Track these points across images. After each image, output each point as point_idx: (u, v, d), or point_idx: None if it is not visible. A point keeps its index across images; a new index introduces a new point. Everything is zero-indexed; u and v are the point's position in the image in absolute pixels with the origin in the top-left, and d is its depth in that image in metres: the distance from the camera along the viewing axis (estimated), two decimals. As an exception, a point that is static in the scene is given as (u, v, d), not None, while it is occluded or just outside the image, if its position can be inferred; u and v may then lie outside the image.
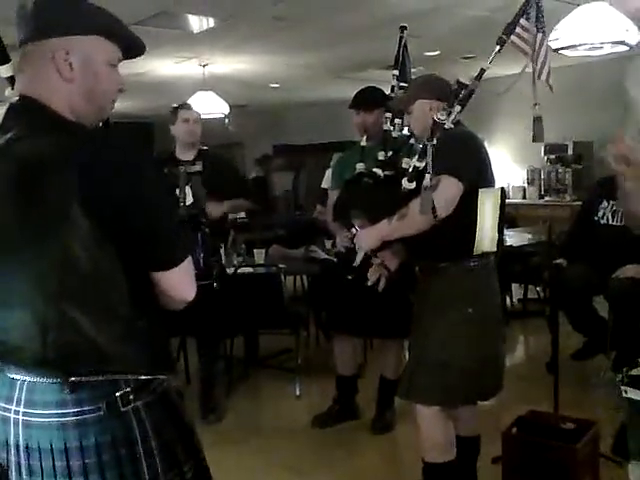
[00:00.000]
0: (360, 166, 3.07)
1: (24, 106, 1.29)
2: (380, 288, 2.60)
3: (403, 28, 3.28)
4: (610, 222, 4.00)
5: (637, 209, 1.82)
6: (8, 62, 1.76)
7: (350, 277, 3.19)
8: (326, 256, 4.36)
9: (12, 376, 1.29)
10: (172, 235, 1.34)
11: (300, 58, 6.86)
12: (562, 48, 4.14)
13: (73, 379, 1.24)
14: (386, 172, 3.00)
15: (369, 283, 2.58)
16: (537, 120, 2.33)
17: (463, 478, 2.59)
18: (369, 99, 3.37)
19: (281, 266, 4.00)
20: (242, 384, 4.20)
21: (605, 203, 4.06)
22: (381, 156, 3.06)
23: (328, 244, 4.47)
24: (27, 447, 1.28)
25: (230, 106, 7.29)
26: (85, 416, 1.26)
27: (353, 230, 2.51)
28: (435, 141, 2.21)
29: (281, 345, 4.55)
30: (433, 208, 2.17)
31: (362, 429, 3.50)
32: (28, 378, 1.28)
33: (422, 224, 2.25)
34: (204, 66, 6.92)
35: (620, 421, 1.97)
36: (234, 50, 6.36)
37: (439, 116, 2.20)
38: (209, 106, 6.99)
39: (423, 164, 2.24)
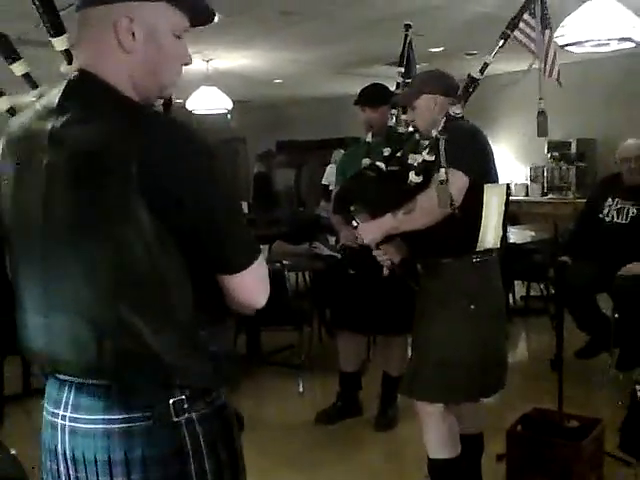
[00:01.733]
0: (366, 162, 3.07)
1: (82, 82, 1.16)
2: (386, 273, 2.59)
3: (408, 26, 3.28)
4: (615, 220, 3.99)
5: None
6: (63, 34, 1.58)
7: (352, 272, 3.20)
8: (330, 252, 4.36)
9: (61, 377, 1.19)
10: (241, 234, 1.20)
11: (304, 54, 6.85)
12: (568, 44, 4.12)
13: (123, 383, 1.13)
14: (391, 167, 3.00)
15: (385, 273, 2.57)
16: (541, 114, 2.32)
17: (467, 475, 2.59)
18: (374, 96, 3.37)
19: (285, 262, 3.99)
20: (245, 381, 4.20)
21: (610, 200, 4.04)
22: (386, 152, 3.06)
23: (332, 240, 4.47)
24: (74, 457, 1.17)
25: (233, 101, 7.28)
26: (132, 424, 1.13)
27: (354, 223, 2.50)
28: (446, 137, 2.20)
29: (284, 341, 4.54)
30: (451, 201, 2.17)
31: (365, 426, 3.49)
32: (76, 379, 1.17)
33: (434, 218, 2.24)
34: (208, 61, 6.91)
35: (624, 417, 1.95)
36: (238, 46, 6.35)
37: (455, 111, 2.19)
38: (212, 101, 6.99)
39: (433, 158, 2.24)
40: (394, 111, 3.06)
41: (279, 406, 3.85)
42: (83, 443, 1.16)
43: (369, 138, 3.21)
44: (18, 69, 1.75)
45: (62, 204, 1.11)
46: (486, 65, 2.23)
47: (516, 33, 2.32)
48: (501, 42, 2.25)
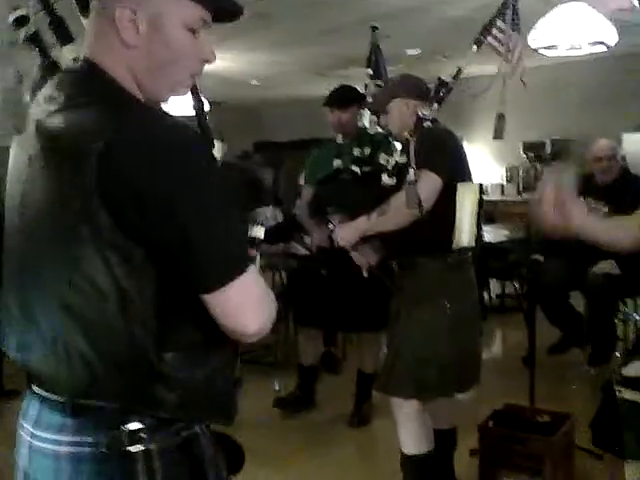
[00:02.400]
0: (337, 163, 3.11)
1: (82, 71, 1.06)
2: (365, 273, 2.63)
3: (374, 28, 3.33)
4: (586, 219, 4.05)
5: (603, 239, 1.78)
6: (72, 41, 1.51)
7: (325, 272, 3.24)
8: (306, 252, 4.37)
9: (33, 388, 1.10)
10: (220, 244, 1.00)
11: (281, 55, 6.86)
12: (541, 48, 4.18)
13: (77, 400, 1.02)
14: (364, 169, 3.05)
15: (365, 274, 2.61)
16: (500, 117, 2.38)
17: (440, 470, 2.62)
18: (343, 97, 3.40)
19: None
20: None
21: (582, 200, 4.11)
22: (356, 152, 3.11)
23: (308, 240, 4.48)
24: (29, 476, 1.08)
25: (210, 102, 7.26)
26: (82, 448, 1.01)
27: (330, 225, 2.53)
28: (416, 138, 2.24)
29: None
30: (419, 202, 2.20)
31: (340, 423, 3.51)
32: (42, 392, 1.07)
33: (406, 218, 2.28)
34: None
35: (595, 412, 2.00)
36: (215, 47, 6.29)
37: (423, 112, 2.23)
38: (189, 102, 6.96)
39: (404, 159, 2.27)
40: (363, 112, 3.11)
41: (255, 404, 3.85)
42: (38, 462, 1.06)
43: (339, 139, 3.24)
44: (69, 53, 1.68)
45: (33, 201, 1.02)
46: (460, 70, 2.27)
47: (489, 38, 2.36)
48: (474, 47, 2.30)
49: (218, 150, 3.13)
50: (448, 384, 2.45)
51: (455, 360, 2.40)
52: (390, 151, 2.85)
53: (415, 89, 2.50)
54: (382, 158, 2.82)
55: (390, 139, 2.87)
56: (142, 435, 1.02)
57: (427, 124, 2.27)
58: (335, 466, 3.09)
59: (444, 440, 2.62)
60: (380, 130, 3.13)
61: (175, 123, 1.00)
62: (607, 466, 2.06)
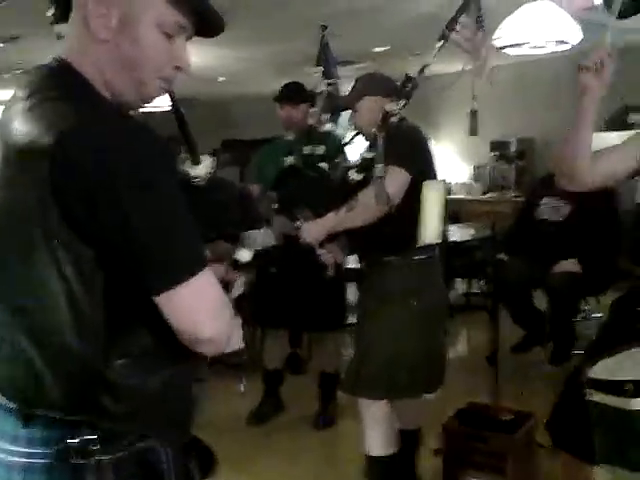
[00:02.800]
0: (289, 160, 3.10)
1: (50, 68, 1.04)
2: (331, 272, 2.62)
3: (324, 27, 3.32)
4: (550, 218, 4.10)
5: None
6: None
7: (274, 270, 3.22)
8: (262, 244, 4.30)
9: None
10: (169, 243, 0.97)
11: (248, 52, 6.81)
12: (506, 46, 4.21)
13: (27, 409, 1.00)
14: (316, 166, 3.04)
15: (330, 273, 2.60)
16: (473, 114, 2.38)
17: (404, 470, 2.62)
18: (295, 93, 3.38)
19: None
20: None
21: (546, 199, 4.15)
22: (307, 150, 3.09)
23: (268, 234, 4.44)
24: None
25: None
26: (34, 460, 1.00)
27: (298, 223, 2.51)
28: (384, 134, 2.24)
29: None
30: (387, 197, 2.19)
31: (306, 424, 3.50)
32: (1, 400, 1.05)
33: (374, 214, 2.27)
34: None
35: (550, 414, 2.01)
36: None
37: (391, 107, 2.22)
38: (154, 99, 6.87)
39: (372, 155, 2.26)
40: (314, 109, 3.11)
41: (221, 407, 3.81)
42: None
43: (291, 136, 3.22)
44: None
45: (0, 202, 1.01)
46: (425, 66, 2.27)
47: (453, 34, 2.36)
48: (440, 43, 2.29)
49: (206, 166, 3.05)
50: (416, 384, 2.45)
51: (423, 359, 2.41)
52: (342, 149, 2.86)
53: (383, 87, 2.51)
54: (334, 156, 2.83)
55: (342, 137, 2.89)
56: (93, 447, 0.99)
57: (394, 120, 2.26)
58: (301, 468, 3.07)
59: (409, 440, 2.63)
60: (329, 127, 3.13)
61: (136, 124, 0.99)
62: (568, 465, 2.07)
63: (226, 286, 1.21)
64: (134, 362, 1.00)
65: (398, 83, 2.43)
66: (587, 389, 1.55)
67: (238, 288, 1.25)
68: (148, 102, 1.12)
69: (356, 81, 2.59)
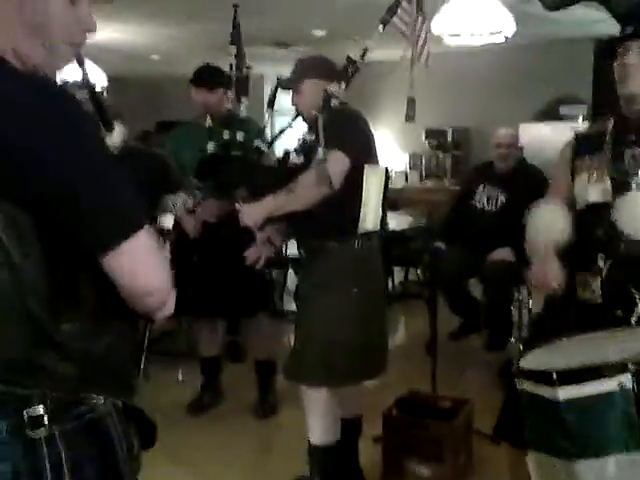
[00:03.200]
0: (211, 146, 3.03)
1: None
2: (261, 264, 2.57)
3: (235, 7, 3.24)
4: (485, 206, 4.16)
5: None
6: None
7: (196, 259, 3.16)
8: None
9: None
10: (109, 203, 1.01)
11: (181, 30, 6.63)
12: (444, 34, 4.24)
13: None
14: (234, 152, 2.99)
15: (248, 263, 2.54)
16: (411, 101, 2.39)
17: (345, 458, 2.62)
18: (211, 77, 3.29)
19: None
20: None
21: (481, 188, 4.21)
22: (227, 136, 3.03)
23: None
24: None
25: (108, 78, 6.94)
26: None
27: (237, 205, 2.45)
28: (325, 116, 2.21)
29: (162, 328, 4.40)
30: (329, 180, 2.17)
31: (247, 413, 3.45)
32: None
33: (314, 197, 2.25)
34: (78, 34, 6.55)
35: (500, 402, 2.03)
36: (112, 18, 6.03)
37: (331, 89, 2.19)
38: (65, 65, 6.62)
39: (313, 137, 2.23)
40: (231, 94, 3.05)
41: (158, 396, 3.72)
42: None
43: (208, 121, 3.14)
44: None
45: None
46: (366, 50, 2.25)
47: (394, 19, 2.35)
48: (380, 27, 2.27)
49: (118, 133, 2.92)
50: (358, 371, 2.45)
51: (364, 346, 2.41)
52: (262, 134, 2.81)
53: (325, 70, 2.48)
54: (255, 142, 2.78)
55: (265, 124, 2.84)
56: (44, 419, 1.01)
57: (335, 103, 2.23)
58: (242, 457, 3.04)
59: (350, 429, 2.62)
60: (244, 115, 3.08)
61: (54, 83, 1.03)
62: (506, 451, 2.11)
63: None
64: (79, 326, 1.03)
65: (339, 67, 2.41)
66: (517, 379, 1.57)
67: (167, 254, 1.26)
68: (60, 68, 1.13)
69: (297, 63, 2.55)
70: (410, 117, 2.49)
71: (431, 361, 3.02)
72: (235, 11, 3.23)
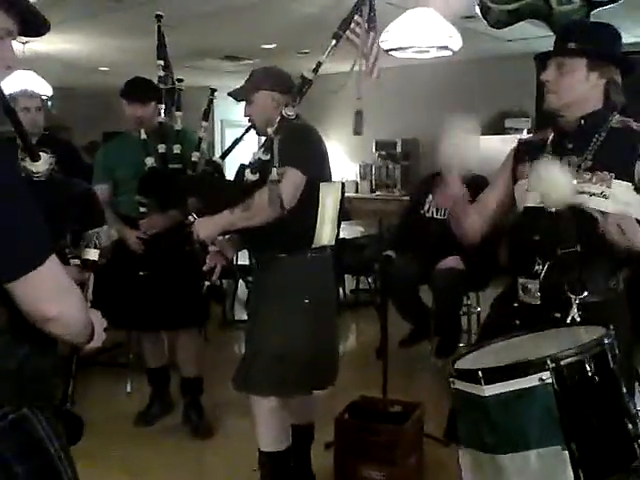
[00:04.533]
0: (150, 161, 3.03)
1: None
2: (216, 275, 2.57)
3: (159, 17, 3.24)
4: (435, 215, 4.25)
5: (465, 224, 2.13)
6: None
7: (143, 273, 3.15)
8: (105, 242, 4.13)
9: None
10: (20, 234, 1.09)
11: (131, 42, 6.57)
12: (391, 49, 4.33)
13: None
14: (172, 165, 3.00)
15: (205, 268, 2.54)
16: (358, 114, 2.43)
17: (297, 465, 2.63)
18: (144, 91, 3.25)
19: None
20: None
21: (430, 197, 4.30)
22: (162, 149, 3.03)
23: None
24: None
25: (55, 88, 6.83)
26: None
27: (190, 218, 2.45)
28: (280, 137, 2.23)
29: (110, 340, 4.33)
30: (281, 202, 2.18)
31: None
32: None
33: (268, 216, 2.26)
34: (24, 43, 6.41)
35: (449, 407, 2.09)
36: (59, 29, 5.95)
37: (288, 112, 2.20)
38: (29, 87, 6.48)
39: (268, 157, 2.24)
40: (161, 106, 3.06)
41: (107, 408, 3.67)
42: None
43: (143, 135, 3.13)
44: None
45: None
46: (319, 64, 2.28)
47: (347, 33, 2.38)
48: (333, 42, 2.30)
49: (44, 162, 2.86)
50: (308, 380, 2.47)
51: (315, 356, 2.42)
52: (199, 147, 2.82)
53: (280, 83, 2.49)
54: (192, 155, 2.79)
55: (200, 135, 2.85)
56: None
57: (286, 113, 2.25)
58: (192, 468, 3.02)
59: (302, 435, 2.64)
60: (179, 126, 3.10)
61: None
62: (454, 453, 2.15)
63: (82, 286, 1.36)
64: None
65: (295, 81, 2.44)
66: (450, 379, 1.63)
67: (91, 286, 1.37)
68: None
69: (251, 74, 2.56)
70: (358, 130, 2.53)
71: (382, 367, 3.07)
72: (159, 25, 3.21)
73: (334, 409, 2.88)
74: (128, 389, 3.85)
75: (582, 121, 1.87)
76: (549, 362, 1.48)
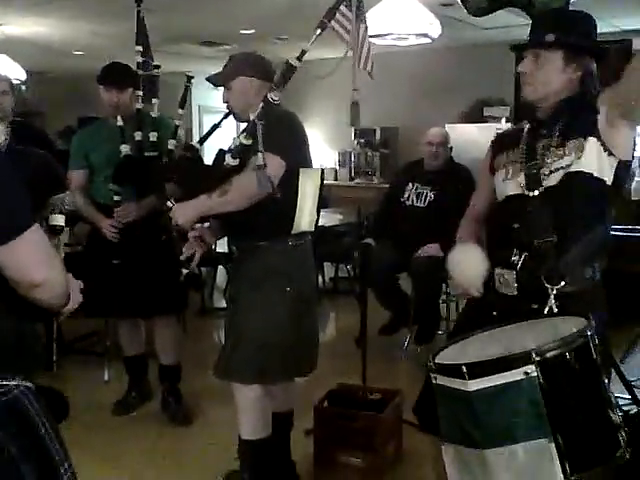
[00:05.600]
0: (125, 148, 2.99)
1: None
2: (195, 263, 2.55)
3: (139, 1, 3.18)
4: (415, 203, 4.26)
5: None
6: None
7: (117, 262, 3.12)
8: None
9: None
10: (3, 202, 1.14)
11: (107, 26, 6.46)
12: (370, 36, 4.30)
13: None
14: (148, 152, 2.97)
15: (182, 257, 2.52)
16: (354, 105, 2.40)
17: (277, 452, 2.63)
18: (121, 77, 3.19)
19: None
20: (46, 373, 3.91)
21: (410, 185, 4.30)
22: (139, 137, 3.00)
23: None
24: None
25: (28, 72, 6.71)
26: None
27: (169, 204, 2.42)
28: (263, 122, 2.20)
29: (88, 328, 4.29)
30: (272, 185, 2.17)
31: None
32: None
33: (247, 200, 2.24)
34: (-3, 26, 6.31)
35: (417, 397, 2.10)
36: (32, 11, 5.84)
37: (273, 97, 2.18)
38: (2, 71, 6.37)
39: (250, 142, 2.22)
40: (139, 93, 3.02)
41: (84, 397, 3.63)
42: None
43: (120, 122, 3.08)
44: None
45: None
46: (304, 52, 2.25)
47: (333, 23, 2.35)
48: (318, 31, 2.27)
49: (1, 132, 2.83)
50: (289, 368, 2.46)
51: (295, 344, 2.42)
52: (175, 135, 2.79)
53: (260, 68, 2.46)
54: (169, 143, 2.76)
55: (177, 123, 2.81)
56: None
57: (270, 98, 2.22)
58: (171, 457, 3.00)
59: (282, 422, 2.64)
60: (155, 113, 3.06)
61: None
62: (433, 440, 2.16)
63: None
64: None
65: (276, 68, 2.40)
66: (432, 374, 1.63)
67: (61, 252, 1.40)
68: None
69: (229, 59, 2.53)
70: (354, 123, 2.50)
71: (360, 355, 3.08)
72: (138, 10, 3.15)
73: (313, 397, 2.89)
74: (106, 377, 3.82)
75: (556, 107, 1.87)
76: (534, 355, 1.49)
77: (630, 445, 1.55)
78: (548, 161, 1.84)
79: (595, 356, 1.56)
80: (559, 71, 1.84)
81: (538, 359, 1.49)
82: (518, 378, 1.49)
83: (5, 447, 1.14)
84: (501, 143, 2.05)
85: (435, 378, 1.63)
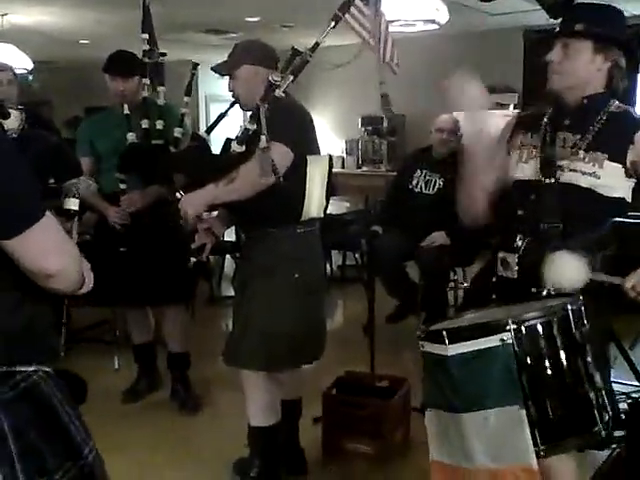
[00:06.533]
0: (131, 137, 2.98)
1: None
2: (205, 254, 2.56)
3: None
4: (423, 190, 4.25)
5: (474, 193, 2.04)
6: None
7: (123, 249, 3.13)
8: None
9: None
10: (16, 192, 1.12)
11: (113, 15, 6.44)
12: (378, 22, 4.28)
13: None
14: (155, 141, 2.96)
15: (193, 246, 2.52)
16: (384, 97, 2.39)
17: (286, 439, 2.65)
18: (127, 65, 3.19)
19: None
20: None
21: (419, 172, 4.29)
22: (145, 125, 2.99)
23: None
24: None
25: (35, 62, 6.71)
26: None
27: (177, 195, 2.42)
28: (267, 106, 2.19)
29: (97, 317, 4.32)
30: (274, 168, 2.16)
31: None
32: None
33: (254, 187, 2.23)
34: (3, 16, 6.30)
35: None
36: (38, 0, 5.83)
37: (274, 77, 2.17)
38: (9, 60, 6.37)
39: (254, 127, 2.22)
40: (146, 81, 3.00)
41: (94, 385, 3.64)
42: None
43: (126, 110, 3.08)
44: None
45: None
46: (317, 44, 2.24)
47: (348, 17, 2.32)
48: (332, 24, 2.26)
49: (15, 119, 2.84)
50: (296, 355, 2.47)
51: (303, 331, 2.43)
52: (181, 123, 2.78)
53: (264, 56, 2.45)
54: (175, 131, 2.75)
55: (183, 111, 2.80)
56: None
57: (279, 93, 2.21)
58: (181, 444, 3.02)
59: (290, 410, 2.65)
60: (162, 101, 3.05)
61: None
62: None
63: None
64: (8, 300, 1.14)
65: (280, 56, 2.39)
66: (420, 341, 1.69)
67: (74, 237, 1.41)
68: None
69: (234, 48, 2.52)
70: (387, 112, 2.49)
71: (368, 342, 3.08)
72: None
73: (322, 384, 2.90)
74: (116, 366, 3.85)
75: (585, 101, 1.87)
76: (510, 323, 1.53)
77: (624, 428, 1.57)
78: (566, 155, 1.84)
79: (574, 330, 1.59)
80: (587, 61, 1.84)
81: (514, 327, 1.54)
82: (494, 344, 1.54)
83: (25, 432, 1.14)
84: (521, 124, 2.04)
85: (422, 346, 1.68)
